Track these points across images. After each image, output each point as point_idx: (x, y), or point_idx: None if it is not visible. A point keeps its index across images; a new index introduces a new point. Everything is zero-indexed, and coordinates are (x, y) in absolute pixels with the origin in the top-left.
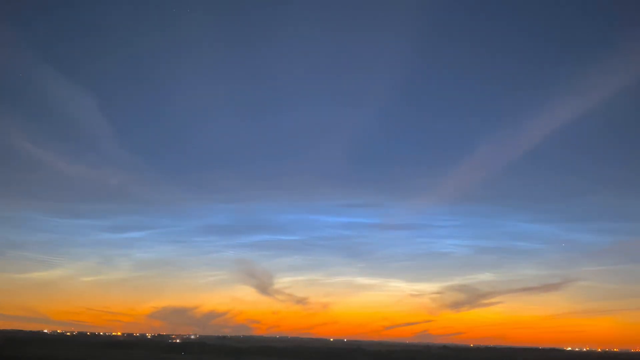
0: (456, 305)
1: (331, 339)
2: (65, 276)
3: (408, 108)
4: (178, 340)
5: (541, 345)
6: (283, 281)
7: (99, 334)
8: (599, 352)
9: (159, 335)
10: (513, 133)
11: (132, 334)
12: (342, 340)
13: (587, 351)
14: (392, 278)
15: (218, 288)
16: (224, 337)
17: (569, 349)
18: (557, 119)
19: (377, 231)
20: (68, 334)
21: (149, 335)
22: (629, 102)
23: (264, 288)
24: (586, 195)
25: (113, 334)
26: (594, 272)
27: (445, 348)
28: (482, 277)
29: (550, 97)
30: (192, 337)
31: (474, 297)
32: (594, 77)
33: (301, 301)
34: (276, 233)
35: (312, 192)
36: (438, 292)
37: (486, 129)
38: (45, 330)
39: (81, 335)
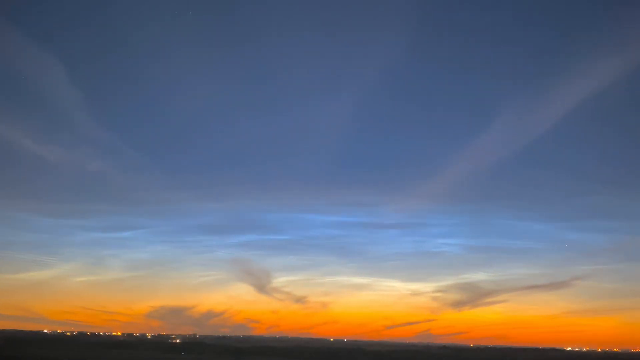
0: (458, 305)
1: (331, 339)
2: (60, 276)
3: (401, 107)
4: (178, 340)
5: (541, 345)
6: (281, 280)
7: (99, 334)
8: (599, 352)
9: (159, 335)
10: (508, 128)
11: (132, 334)
12: (342, 340)
13: (587, 351)
14: (393, 278)
15: (214, 287)
16: (224, 337)
17: (569, 349)
18: (555, 113)
19: (375, 231)
20: (68, 334)
21: (149, 335)
22: (624, 93)
23: (262, 287)
24: (586, 194)
25: (113, 334)
26: (594, 271)
27: (445, 348)
28: (483, 277)
29: (544, 92)
30: (192, 336)
31: (475, 296)
32: (586, 69)
33: (300, 300)
34: (273, 233)
35: (306, 192)
36: (440, 291)
37: (481, 124)
38: (45, 330)
39: (81, 335)
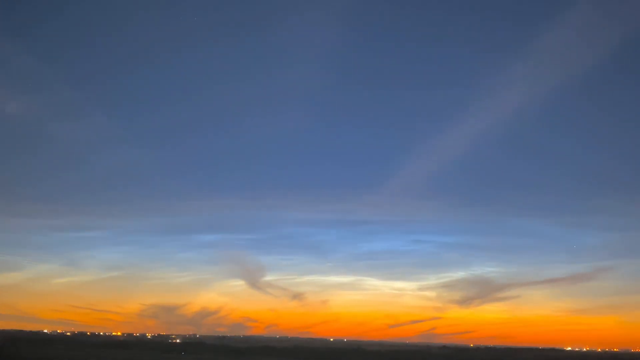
0: (462, 302)
1: (331, 339)
2: (52, 275)
3: (379, 102)
4: (178, 340)
5: (541, 345)
6: (276, 279)
7: (99, 333)
8: (599, 352)
9: (158, 335)
10: (491, 112)
11: (132, 334)
12: (343, 340)
13: (587, 351)
14: (395, 276)
15: (204, 285)
16: (224, 337)
17: (569, 349)
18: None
19: (370, 228)
20: (68, 334)
21: (148, 335)
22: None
23: (254, 283)
24: (587, 192)
25: (113, 333)
26: (594, 271)
27: (444, 348)
28: (486, 275)
29: (531, 66)
30: (192, 336)
31: (477, 294)
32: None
33: (297, 296)
34: (254, 232)
35: (284, 190)
36: (446, 287)
37: (458, 106)
38: (45, 330)
39: (81, 335)
